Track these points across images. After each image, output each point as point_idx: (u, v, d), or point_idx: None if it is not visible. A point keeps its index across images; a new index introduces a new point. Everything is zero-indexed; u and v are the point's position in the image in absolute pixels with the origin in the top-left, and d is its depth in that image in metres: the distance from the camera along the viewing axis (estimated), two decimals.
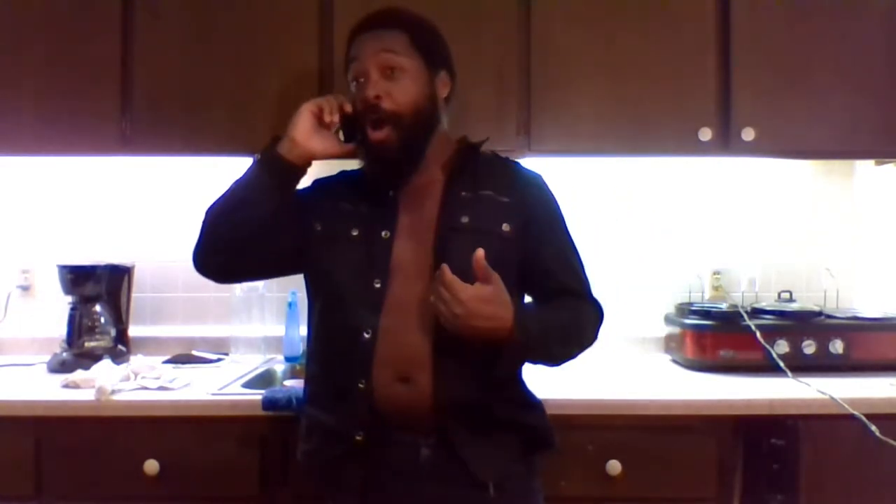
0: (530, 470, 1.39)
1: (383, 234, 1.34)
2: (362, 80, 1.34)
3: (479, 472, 1.28)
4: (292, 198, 1.39)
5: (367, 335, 1.28)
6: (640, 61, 1.95)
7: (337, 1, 1.94)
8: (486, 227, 1.32)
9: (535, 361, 1.33)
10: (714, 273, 2.28)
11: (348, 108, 1.35)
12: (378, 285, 1.30)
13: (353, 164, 1.46)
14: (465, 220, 1.32)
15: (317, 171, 1.45)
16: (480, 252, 1.20)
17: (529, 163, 1.94)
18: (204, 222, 1.38)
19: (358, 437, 1.29)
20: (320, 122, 1.35)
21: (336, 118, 1.34)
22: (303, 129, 1.34)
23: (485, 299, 1.19)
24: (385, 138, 1.31)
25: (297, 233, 1.39)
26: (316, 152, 1.34)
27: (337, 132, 1.37)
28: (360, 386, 1.28)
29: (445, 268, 1.20)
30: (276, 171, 1.34)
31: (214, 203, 1.38)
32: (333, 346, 1.34)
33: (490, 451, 1.30)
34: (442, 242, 1.31)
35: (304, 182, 1.44)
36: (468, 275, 1.21)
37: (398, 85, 1.32)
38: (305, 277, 1.45)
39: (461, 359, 1.27)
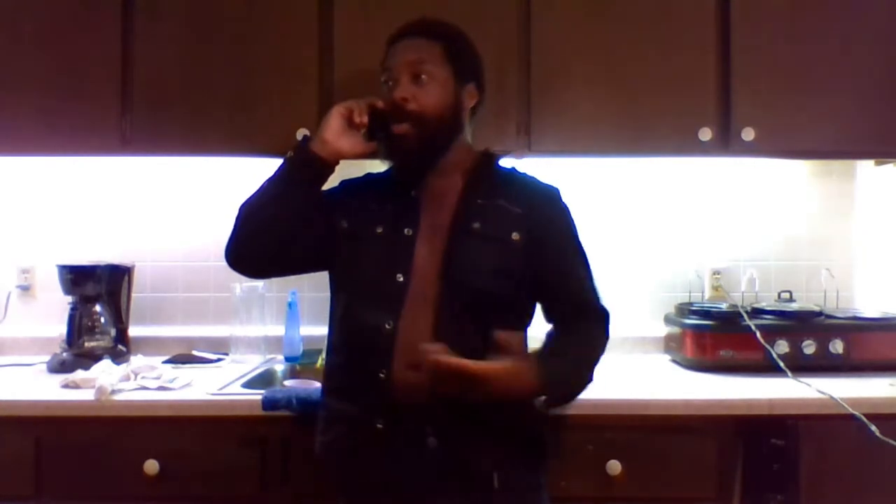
0: (534, 466, 1.41)
1: (406, 231, 1.40)
2: (391, 83, 1.41)
3: (475, 461, 1.31)
4: (320, 196, 1.45)
5: (388, 326, 1.34)
6: (641, 61, 1.95)
7: (337, 1, 1.95)
8: (495, 233, 1.39)
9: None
10: (714, 273, 2.28)
11: (379, 103, 1.41)
12: (401, 279, 1.36)
13: (378, 167, 1.50)
14: (476, 225, 1.39)
15: (343, 171, 1.48)
16: (501, 335, 1.23)
17: (529, 163, 1.95)
18: (237, 218, 1.44)
19: (379, 426, 1.32)
20: (349, 124, 1.40)
21: (365, 119, 1.40)
22: (333, 130, 1.39)
23: (510, 373, 1.23)
24: (405, 132, 1.38)
25: (325, 230, 1.45)
26: (344, 151, 1.41)
27: (364, 133, 1.42)
28: (381, 375, 1.32)
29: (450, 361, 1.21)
30: (307, 167, 1.41)
31: (248, 199, 1.45)
32: (357, 337, 1.38)
33: (488, 442, 1.33)
34: (453, 246, 1.37)
35: (331, 183, 1.48)
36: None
37: (425, 90, 1.39)
38: (330, 273, 1.50)
39: (463, 349, 1.29)
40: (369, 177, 1.55)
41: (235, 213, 1.46)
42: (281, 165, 1.43)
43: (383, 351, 1.33)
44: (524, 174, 1.51)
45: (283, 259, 1.48)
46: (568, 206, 1.48)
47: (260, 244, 1.43)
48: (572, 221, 1.48)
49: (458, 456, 1.31)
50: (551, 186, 1.49)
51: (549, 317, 1.46)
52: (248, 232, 1.43)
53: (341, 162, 1.43)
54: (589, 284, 1.45)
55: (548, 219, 1.44)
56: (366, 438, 1.34)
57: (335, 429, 1.40)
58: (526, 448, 1.39)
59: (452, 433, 1.32)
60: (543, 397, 1.30)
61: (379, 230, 1.41)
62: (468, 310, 1.34)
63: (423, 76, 1.39)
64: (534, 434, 1.39)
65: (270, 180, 1.43)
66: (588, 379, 1.39)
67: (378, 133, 1.42)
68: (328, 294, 1.50)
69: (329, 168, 1.42)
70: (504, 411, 1.33)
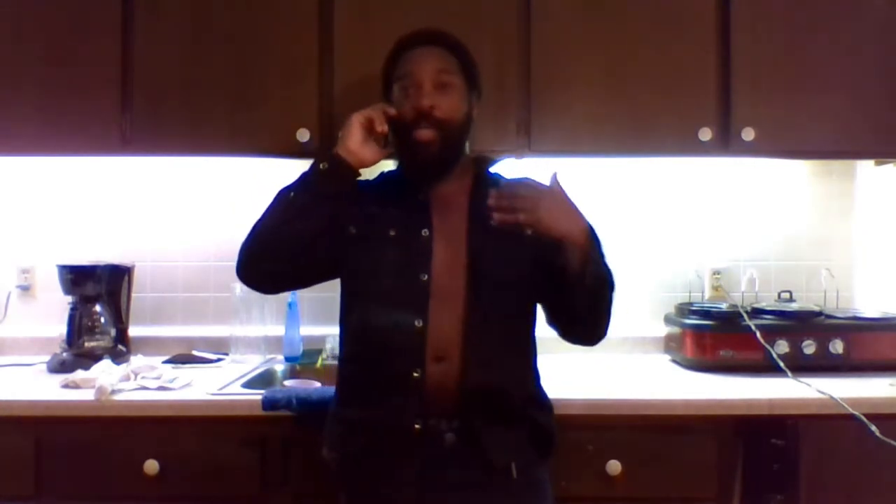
0: (541, 461, 1.43)
1: (423, 232, 1.42)
2: (412, 89, 1.42)
3: (495, 456, 1.33)
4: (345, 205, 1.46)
5: (418, 324, 1.36)
6: (640, 61, 1.95)
7: (337, 1, 1.95)
8: (511, 230, 1.39)
9: (592, 292, 1.36)
10: (714, 273, 2.28)
11: (392, 111, 1.43)
12: (425, 278, 1.38)
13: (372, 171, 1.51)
14: (493, 223, 1.39)
15: None
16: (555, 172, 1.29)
17: (529, 163, 1.95)
18: (254, 235, 1.43)
19: (417, 426, 1.34)
20: (370, 133, 1.42)
21: (386, 128, 1.42)
22: (356, 140, 1.41)
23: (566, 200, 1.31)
24: (431, 138, 1.40)
25: (336, 239, 1.46)
26: (367, 160, 1.43)
27: (375, 139, 1.44)
28: (416, 375, 1.34)
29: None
30: (339, 177, 1.42)
31: (266, 215, 1.43)
32: (383, 339, 1.39)
33: (505, 437, 1.36)
34: (476, 243, 1.41)
35: None
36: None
37: (448, 98, 1.42)
38: (341, 280, 1.50)
39: (489, 345, 1.37)
40: (364, 183, 1.55)
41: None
42: (303, 178, 1.43)
43: (415, 349, 1.35)
44: (512, 178, 1.54)
45: (301, 273, 1.49)
46: None
47: (279, 261, 1.42)
48: None
49: (476, 448, 1.33)
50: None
51: (551, 302, 1.47)
52: (268, 249, 1.42)
53: None
54: None
55: None
56: (401, 441, 1.34)
57: (358, 439, 1.39)
58: (536, 439, 1.41)
59: (470, 426, 1.34)
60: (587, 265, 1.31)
61: (392, 233, 1.42)
62: (495, 302, 1.38)
63: (447, 85, 1.42)
64: (542, 424, 1.42)
65: (296, 193, 1.42)
66: (609, 299, 1.40)
67: (392, 138, 1.44)
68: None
69: (356, 178, 1.44)
70: (516, 402, 1.38)
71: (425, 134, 1.40)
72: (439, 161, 1.43)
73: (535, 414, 1.42)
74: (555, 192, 1.30)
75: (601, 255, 1.39)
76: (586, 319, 1.41)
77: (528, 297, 1.46)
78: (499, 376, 1.37)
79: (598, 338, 1.45)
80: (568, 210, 1.31)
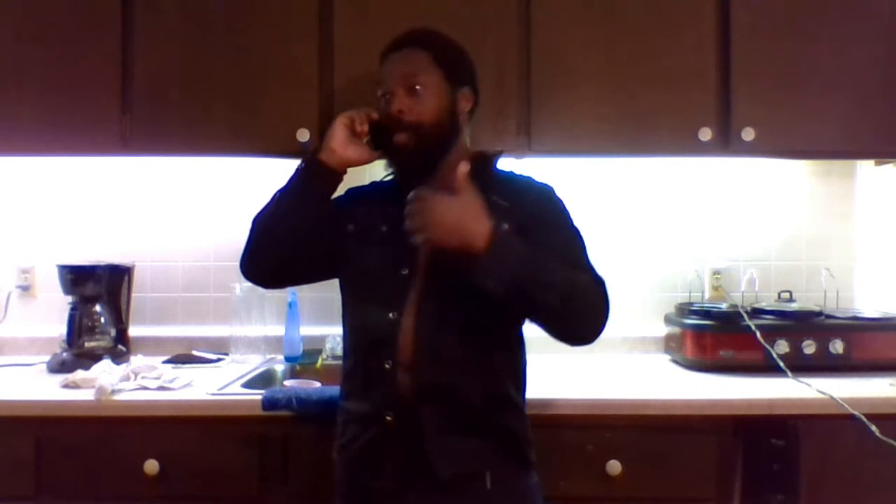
0: (523, 466, 1.41)
1: None
2: (387, 96, 1.44)
3: (437, 465, 1.31)
4: (331, 205, 1.49)
5: (392, 316, 1.37)
6: (640, 61, 1.95)
7: (337, 1, 1.95)
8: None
9: (530, 301, 1.27)
10: (714, 273, 2.28)
11: (374, 115, 1.45)
12: (405, 272, 1.39)
13: (381, 173, 1.52)
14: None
15: (350, 178, 1.50)
16: (463, 166, 1.25)
17: (529, 163, 1.95)
18: (252, 231, 1.48)
19: (388, 418, 1.34)
20: (353, 133, 1.45)
21: (366, 128, 1.44)
22: (339, 139, 1.44)
23: (458, 207, 1.23)
24: (405, 142, 1.41)
25: (334, 238, 1.48)
26: (352, 159, 1.45)
27: (367, 141, 1.47)
28: (387, 366, 1.35)
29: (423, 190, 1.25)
30: (318, 178, 1.44)
31: (261, 212, 1.48)
32: (365, 332, 1.42)
33: (457, 445, 1.34)
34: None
35: (338, 191, 1.50)
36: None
37: (419, 100, 1.42)
38: (340, 277, 1.51)
39: (443, 344, 1.35)
40: (374, 184, 1.58)
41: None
42: (291, 177, 1.46)
43: (388, 341, 1.36)
44: (521, 175, 1.51)
45: (299, 270, 1.52)
46: (562, 200, 1.46)
47: (274, 257, 1.47)
48: (565, 212, 1.45)
49: (448, 456, 1.32)
50: (545, 184, 1.49)
51: None
52: (263, 245, 1.47)
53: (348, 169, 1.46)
54: (584, 261, 1.40)
55: (536, 209, 1.42)
56: (377, 434, 1.35)
57: (350, 430, 1.41)
58: (512, 446, 1.38)
59: (442, 433, 1.33)
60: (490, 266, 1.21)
61: (384, 229, 1.44)
62: (451, 301, 1.34)
63: (417, 87, 1.42)
64: (516, 431, 1.39)
65: (282, 193, 1.46)
66: (567, 301, 1.26)
67: (380, 142, 1.45)
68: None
69: (339, 177, 1.46)
70: (478, 405, 1.35)
71: (399, 138, 1.41)
72: (417, 162, 1.41)
73: (504, 419, 1.38)
74: (444, 201, 1.23)
75: (527, 259, 1.25)
76: (547, 326, 1.31)
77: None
78: (454, 377, 1.34)
79: (582, 340, 1.34)
80: (461, 218, 1.22)
